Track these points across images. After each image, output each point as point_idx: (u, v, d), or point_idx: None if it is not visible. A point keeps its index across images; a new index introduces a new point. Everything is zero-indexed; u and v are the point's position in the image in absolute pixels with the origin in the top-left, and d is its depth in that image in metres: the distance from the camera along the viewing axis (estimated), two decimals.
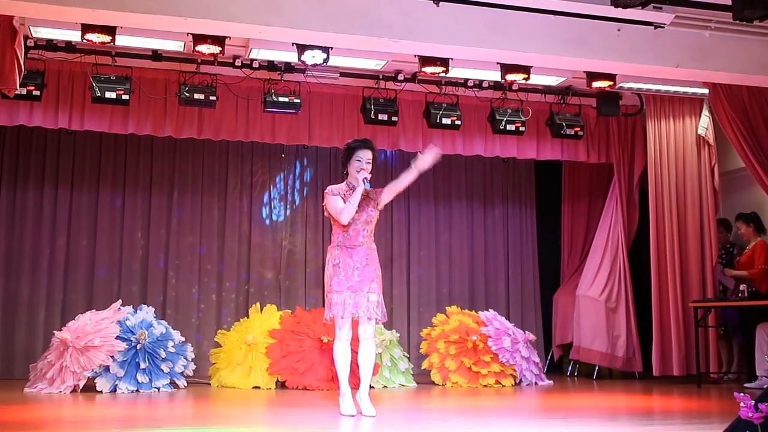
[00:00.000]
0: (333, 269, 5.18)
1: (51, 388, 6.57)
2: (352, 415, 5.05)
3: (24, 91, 6.85)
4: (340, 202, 5.19)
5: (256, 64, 7.37)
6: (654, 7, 6.31)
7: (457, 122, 8.00)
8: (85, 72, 7.24)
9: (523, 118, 8.16)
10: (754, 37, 6.90)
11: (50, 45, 6.95)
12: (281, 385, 7.27)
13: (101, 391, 6.64)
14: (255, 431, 4.78)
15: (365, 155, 5.22)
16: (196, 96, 7.32)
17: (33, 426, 4.74)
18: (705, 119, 8.30)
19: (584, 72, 7.29)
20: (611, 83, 7.42)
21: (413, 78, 7.81)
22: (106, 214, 8.52)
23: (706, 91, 7.82)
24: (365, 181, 5.14)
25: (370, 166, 5.23)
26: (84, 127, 7.45)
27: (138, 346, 6.89)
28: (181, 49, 7.10)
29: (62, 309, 8.17)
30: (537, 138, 8.56)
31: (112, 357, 6.71)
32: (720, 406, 6.11)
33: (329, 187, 5.31)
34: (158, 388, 6.89)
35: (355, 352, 5.51)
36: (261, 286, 8.89)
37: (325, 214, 5.41)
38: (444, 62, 6.87)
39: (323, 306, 8.41)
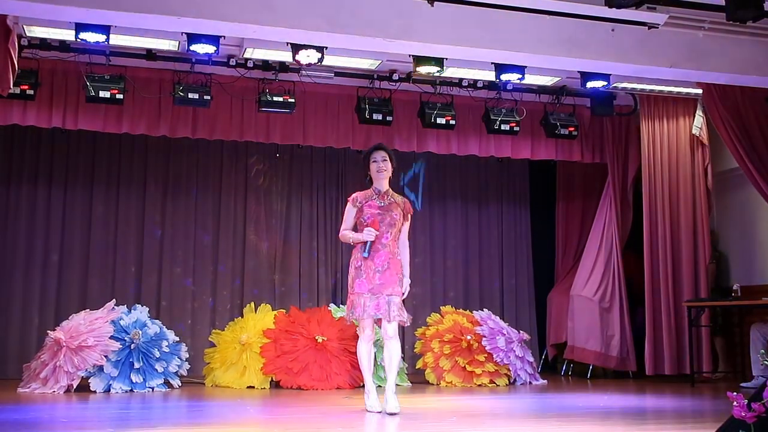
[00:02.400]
0: (355, 272, 5.30)
1: (44, 388, 6.56)
2: (378, 412, 5.19)
3: (18, 90, 6.83)
4: (349, 219, 5.40)
5: (250, 64, 7.36)
6: (648, 8, 6.31)
7: (452, 122, 8.00)
8: (79, 71, 7.22)
9: (517, 118, 8.17)
10: (748, 38, 6.92)
11: (44, 44, 6.94)
12: (275, 384, 7.27)
13: (95, 391, 6.64)
14: (249, 431, 4.78)
15: (379, 155, 5.41)
16: (190, 95, 7.30)
17: (26, 426, 4.72)
18: (699, 119, 8.33)
19: (578, 72, 7.31)
20: (605, 83, 7.44)
21: (408, 78, 7.81)
22: (100, 214, 8.49)
23: (699, 91, 7.85)
24: (367, 246, 5.26)
25: (387, 164, 5.41)
26: (78, 127, 7.43)
27: (132, 346, 6.88)
28: (176, 49, 7.09)
29: (56, 308, 8.14)
30: (531, 138, 8.56)
31: (106, 357, 6.70)
32: (713, 405, 6.12)
33: (353, 195, 5.47)
34: (152, 388, 6.89)
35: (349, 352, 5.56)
36: (256, 286, 8.87)
37: None
38: (438, 62, 6.87)
39: (318, 306, 8.54)
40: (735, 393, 2.95)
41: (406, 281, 5.41)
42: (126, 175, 8.62)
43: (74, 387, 6.61)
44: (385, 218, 5.36)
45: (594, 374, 8.58)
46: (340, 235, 5.51)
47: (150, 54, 7.19)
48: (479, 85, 7.96)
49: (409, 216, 5.55)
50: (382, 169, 5.40)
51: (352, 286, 5.30)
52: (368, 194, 5.43)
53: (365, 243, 5.27)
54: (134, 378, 6.80)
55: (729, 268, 8.66)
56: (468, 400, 6.50)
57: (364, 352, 5.36)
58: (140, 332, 6.93)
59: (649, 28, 6.67)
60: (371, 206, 5.37)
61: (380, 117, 7.84)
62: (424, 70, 6.94)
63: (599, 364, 8.48)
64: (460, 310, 8.27)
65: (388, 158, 5.44)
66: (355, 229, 5.44)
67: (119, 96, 7.12)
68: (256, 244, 8.97)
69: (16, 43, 6.21)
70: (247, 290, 8.81)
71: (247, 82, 7.63)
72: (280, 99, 7.53)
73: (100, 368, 6.72)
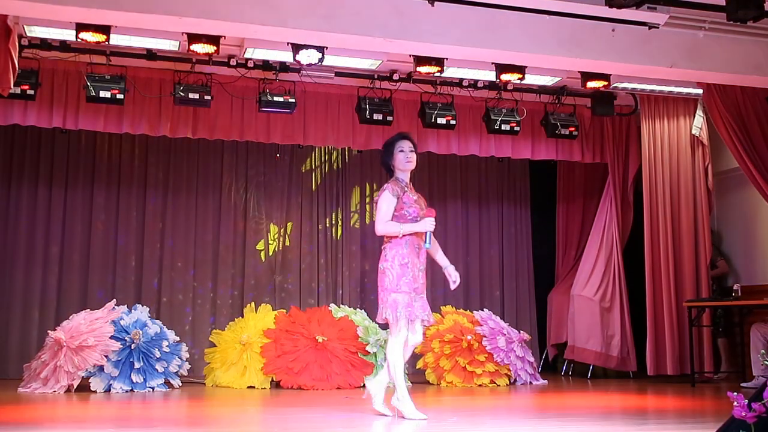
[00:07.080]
0: (401, 268, 4.90)
1: (45, 388, 6.56)
2: (424, 418, 4.86)
3: (18, 90, 6.83)
4: (390, 209, 4.98)
5: (251, 64, 7.35)
6: (648, 8, 6.31)
7: (452, 122, 8.00)
8: (79, 71, 7.23)
9: (517, 118, 8.17)
10: (748, 38, 6.92)
11: (44, 44, 6.93)
12: (276, 384, 7.27)
13: (95, 391, 6.64)
14: (249, 431, 4.78)
15: (407, 145, 5.11)
16: (190, 95, 7.30)
17: (27, 426, 4.73)
18: (699, 119, 8.33)
19: (579, 72, 7.31)
20: (606, 83, 7.43)
21: (408, 78, 7.82)
22: (101, 214, 8.50)
23: (700, 91, 7.85)
24: (428, 236, 5.04)
25: (414, 155, 5.13)
26: (78, 127, 7.43)
27: (132, 346, 6.88)
28: (176, 49, 7.08)
29: (56, 308, 8.15)
30: (532, 138, 8.56)
31: (106, 357, 6.71)
32: (714, 405, 6.12)
33: (390, 186, 5.03)
34: (153, 388, 6.89)
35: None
36: (256, 286, 8.88)
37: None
38: (439, 62, 6.87)
39: (319, 306, 8.54)
40: (735, 393, 2.95)
41: (454, 270, 5.28)
42: (126, 175, 8.62)
43: (74, 387, 6.62)
44: (423, 211, 5.08)
45: (594, 374, 8.58)
46: (381, 227, 4.99)
47: (150, 54, 7.19)
48: (480, 85, 7.96)
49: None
50: (411, 160, 5.08)
51: (398, 283, 4.86)
52: (399, 185, 5.08)
53: (424, 234, 4.98)
54: (135, 378, 6.80)
55: (730, 268, 8.66)
56: (468, 400, 6.50)
57: (402, 356, 4.92)
58: (140, 332, 6.93)
59: (649, 28, 6.67)
60: (408, 197, 5.04)
61: (381, 117, 7.83)
62: (424, 70, 6.94)
63: (600, 364, 8.48)
64: (461, 310, 8.27)
65: (414, 149, 5.15)
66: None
67: (120, 96, 7.12)
68: (257, 244, 8.97)
69: (17, 43, 6.21)
70: (247, 290, 8.82)
71: (247, 81, 7.63)
72: (281, 99, 7.53)
73: (101, 368, 6.73)
